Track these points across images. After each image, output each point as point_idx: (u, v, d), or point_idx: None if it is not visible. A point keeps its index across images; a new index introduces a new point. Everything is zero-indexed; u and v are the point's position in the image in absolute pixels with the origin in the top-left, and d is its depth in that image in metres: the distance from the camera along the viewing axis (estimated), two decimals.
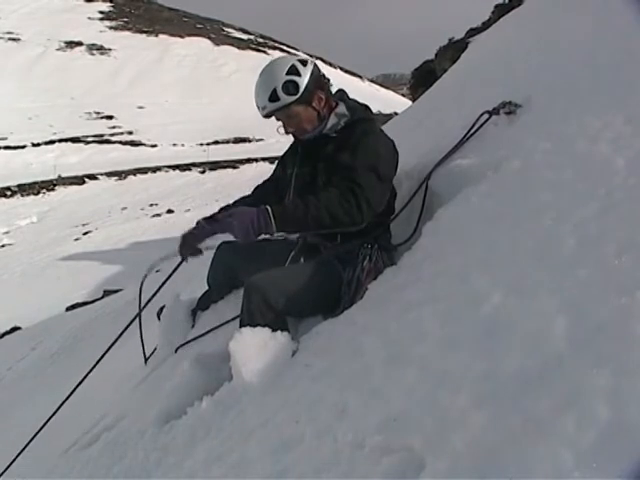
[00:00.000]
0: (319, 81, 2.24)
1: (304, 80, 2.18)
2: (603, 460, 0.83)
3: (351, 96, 2.42)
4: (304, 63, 2.22)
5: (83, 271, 14.38)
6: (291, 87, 2.16)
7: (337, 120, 2.26)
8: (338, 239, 2.23)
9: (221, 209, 2.44)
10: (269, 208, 1.98)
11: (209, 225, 2.29)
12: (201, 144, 37.78)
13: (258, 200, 2.34)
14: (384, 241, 2.28)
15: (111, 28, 72.83)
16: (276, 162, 2.61)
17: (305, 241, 2.38)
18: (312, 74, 2.20)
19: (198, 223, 2.36)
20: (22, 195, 28.40)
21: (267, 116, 2.24)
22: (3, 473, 2.42)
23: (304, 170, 2.31)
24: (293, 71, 2.17)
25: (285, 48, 79.41)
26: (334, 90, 2.36)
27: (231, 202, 2.54)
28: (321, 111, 2.25)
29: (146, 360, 2.82)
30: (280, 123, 2.29)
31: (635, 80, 2.11)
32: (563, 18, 3.59)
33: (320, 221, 2.00)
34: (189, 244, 2.37)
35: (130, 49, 66.65)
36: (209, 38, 75.00)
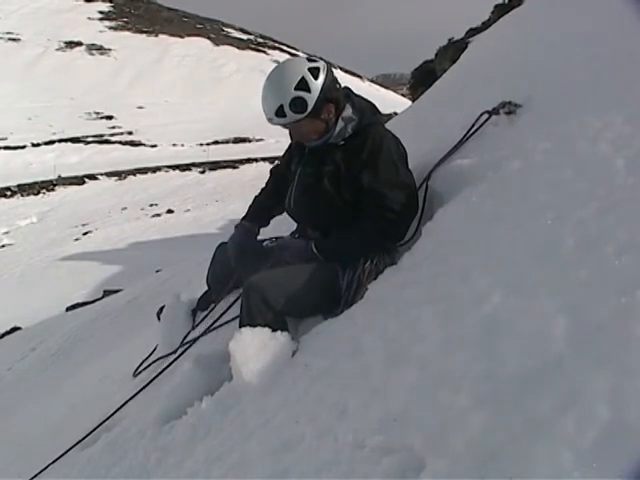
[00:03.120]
0: (330, 93, 2.12)
1: (313, 97, 2.07)
2: (603, 460, 0.83)
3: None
4: (315, 74, 2.08)
5: (83, 271, 14.37)
6: (299, 104, 2.07)
7: (344, 125, 2.18)
8: None
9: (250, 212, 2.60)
10: (315, 249, 2.16)
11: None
12: (201, 144, 37.74)
13: (277, 198, 2.48)
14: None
15: (111, 28, 72.79)
16: (284, 152, 2.57)
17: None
18: (323, 87, 2.08)
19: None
20: (22, 195, 28.39)
21: (273, 124, 2.20)
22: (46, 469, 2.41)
23: (308, 171, 2.28)
24: (303, 86, 2.06)
25: (285, 48, 79.36)
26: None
27: (250, 204, 2.63)
28: (329, 121, 2.17)
29: (135, 373, 2.83)
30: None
31: (635, 80, 2.11)
32: (563, 18, 3.58)
33: (363, 251, 2.15)
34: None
35: (130, 49, 66.62)
36: (209, 38, 74.95)
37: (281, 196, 2.44)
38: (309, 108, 2.09)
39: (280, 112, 2.09)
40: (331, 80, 2.13)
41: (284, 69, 2.15)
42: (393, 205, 2.10)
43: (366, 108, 2.27)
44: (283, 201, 2.41)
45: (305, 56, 2.33)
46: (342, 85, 2.28)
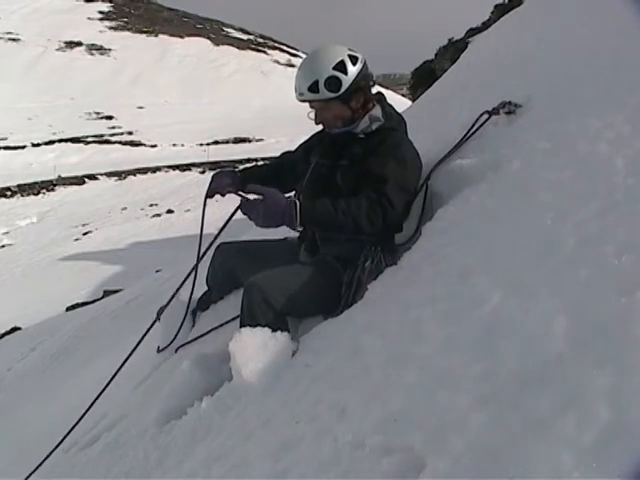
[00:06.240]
0: (363, 82, 2.19)
1: (349, 80, 2.13)
2: (603, 460, 0.83)
3: None
4: (354, 61, 2.16)
5: (83, 271, 14.39)
6: (334, 84, 2.12)
7: (369, 123, 2.23)
8: (342, 236, 2.23)
9: (245, 169, 2.60)
10: (297, 204, 2.00)
11: (241, 197, 2.16)
12: (201, 144, 37.74)
13: (277, 173, 2.51)
14: (387, 243, 2.27)
15: (111, 28, 72.86)
16: (302, 141, 2.59)
17: (307, 237, 2.39)
18: (358, 75, 2.16)
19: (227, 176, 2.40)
20: (22, 195, 28.42)
21: (302, 101, 2.23)
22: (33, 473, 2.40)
23: (324, 162, 2.30)
24: (341, 68, 2.12)
25: (285, 48, 79.39)
26: (374, 90, 2.32)
27: (251, 165, 2.60)
28: (356, 112, 2.22)
29: (159, 349, 2.77)
30: (311, 108, 2.27)
31: (635, 80, 2.11)
32: (563, 18, 3.59)
33: (343, 226, 2.05)
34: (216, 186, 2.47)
35: (130, 49, 66.67)
36: (209, 38, 75.02)
37: (280, 173, 2.49)
38: (342, 89, 2.13)
39: (314, 87, 2.13)
40: (366, 73, 2.21)
41: (325, 49, 2.22)
42: (394, 201, 2.09)
43: (394, 115, 2.32)
44: (280, 179, 2.47)
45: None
46: (376, 90, 2.34)
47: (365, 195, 2.09)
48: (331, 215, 2.03)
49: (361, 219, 2.05)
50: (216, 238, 2.43)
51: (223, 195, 2.46)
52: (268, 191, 2.03)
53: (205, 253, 2.43)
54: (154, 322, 2.58)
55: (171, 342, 2.66)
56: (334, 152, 2.28)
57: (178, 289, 2.63)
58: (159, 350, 2.74)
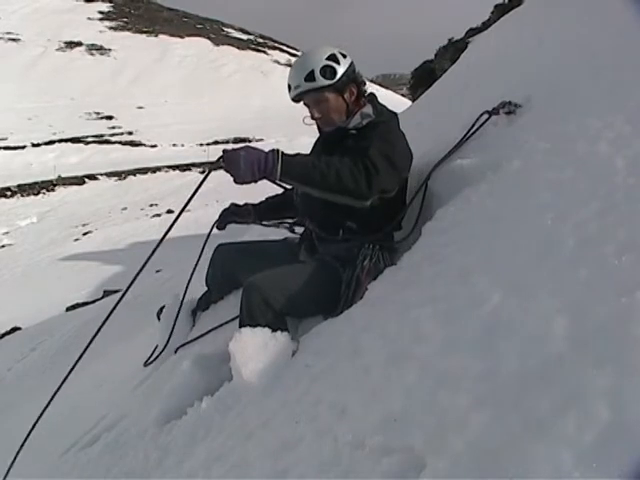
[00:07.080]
0: (354, 75, 2.29)
1: (342, 69, 2.23)
2: (603, 460, 0.83)
3: None
4: (344, 55, 2.27)
5: (83, 271, 14.38)
6: (328, 72, 2.21)
7: (360, 119, 2.28)
8: (340, 234, 2.23)
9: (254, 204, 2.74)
10: (279, 150, 1.97)
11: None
12: (201, 144, 37.75)
13: (284, 198, 2.60)
14: (385, 242, 2.27)
15: (111, 28, 72.91)
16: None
17: (306, 237, 2.39)
18: (349, 66, 2.26)
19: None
20: (22, 195, 28.45)
21: (296, 99, 2.27)
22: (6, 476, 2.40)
23: None
24: (333, 58, 2.23)
25: (285, 48, 79.43)
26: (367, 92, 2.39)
27: (263, 199, 2.75)
28: (350, 105, 2.28)
29: (146, 363, 2.82)
30: (307, 111, 2.30)
31: (635, 80, 2.11)
32: (563, 18, 3.59)
33: (326, 178, 1.97)
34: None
35: (130, 49, 66.71)
36: (209, 38, 75.07)
37: (289, 197, 2.51)
38: (338, 76, 2.21)
39: (310, 77, 2.20)
40: (354, 68, 2.30)
41: (315, 48, 2.33)
42: (377, 164, 2.05)
43: (385, 112, 2.35)
44: (289, 202, 2.51)
45: None
46: (369, 92, 2.41)
47: (350, 159, 2.04)
48: (314, 164, 1.98)
49: (344, 174, 1.99)
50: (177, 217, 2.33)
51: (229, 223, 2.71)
52: (247, 145, 2.00)
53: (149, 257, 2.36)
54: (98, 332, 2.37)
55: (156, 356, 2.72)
56: (328, 150, 2.28)
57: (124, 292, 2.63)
58: (146, 364, 2.79)
